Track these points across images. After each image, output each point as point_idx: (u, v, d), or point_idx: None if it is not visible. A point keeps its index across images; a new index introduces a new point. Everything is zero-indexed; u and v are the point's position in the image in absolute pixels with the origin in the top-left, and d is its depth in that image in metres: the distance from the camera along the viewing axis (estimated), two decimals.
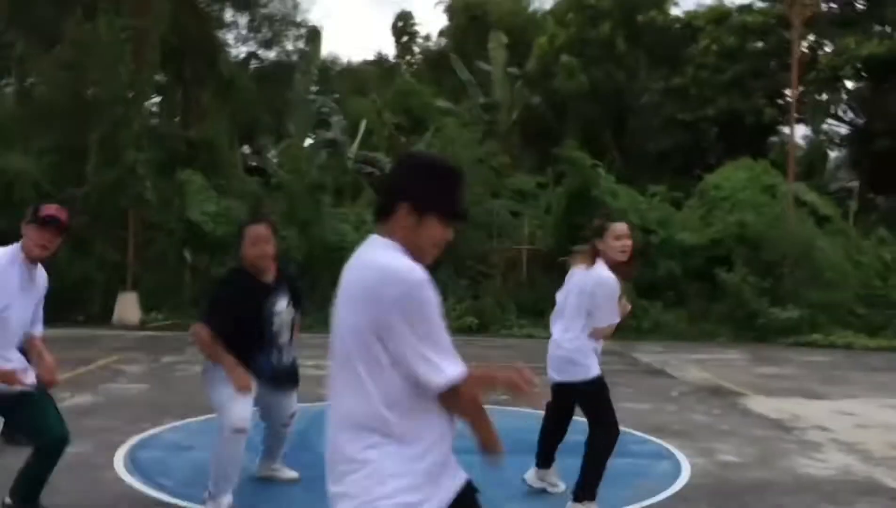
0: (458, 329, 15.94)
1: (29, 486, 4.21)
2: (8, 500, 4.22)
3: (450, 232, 2.30)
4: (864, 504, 5.14)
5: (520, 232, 19.28)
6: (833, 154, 32.27)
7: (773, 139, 29.51)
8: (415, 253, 2.23)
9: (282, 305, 4.75)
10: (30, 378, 4.16)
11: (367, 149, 26.46)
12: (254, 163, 24.89)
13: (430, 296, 2.16)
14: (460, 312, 16.47)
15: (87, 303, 15.55)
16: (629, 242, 4.75)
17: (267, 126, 26.03)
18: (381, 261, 2.18)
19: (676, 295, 16.83)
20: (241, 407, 4.49)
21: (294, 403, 5.07)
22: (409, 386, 2.14)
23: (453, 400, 2.16)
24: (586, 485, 4.56)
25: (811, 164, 30.84)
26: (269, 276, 4.76)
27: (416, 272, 2.16)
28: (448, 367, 2.13)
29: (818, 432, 7.43)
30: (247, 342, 4.58)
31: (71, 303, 15.21)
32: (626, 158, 27.52)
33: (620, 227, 4.80)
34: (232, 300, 4.68)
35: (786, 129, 26.36)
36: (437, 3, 41.97)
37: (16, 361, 4.13)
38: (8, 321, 4.05)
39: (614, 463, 4.76)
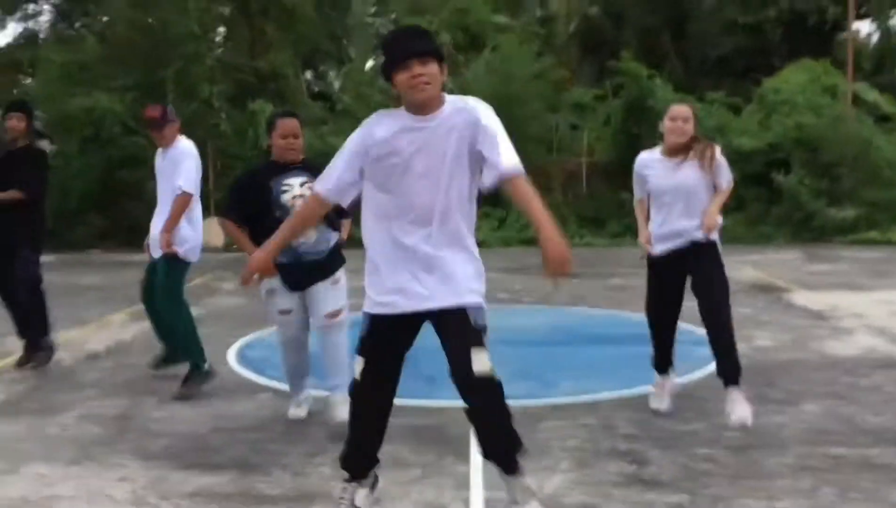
0: (522, 240, 16.74)
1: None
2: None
3: (406, 73, 2.91)
4: (880, 376, 5.79)
5: (579, 144, 19.76)
6: None
7: (841, 36, 28.96)
8: (407, 105, 3.00)
9: (294, 180, 4.63)
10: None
11: None
12: (317, 89, 25.71)
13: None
14: (523, 225, 17.19)
15: None
16: (681, 125, 4.59)
17: (328, 52, 26.71)
18: None
19: (735, 200, 17.14)
20: (283, 330, 4.74)
21: (336, 298, 4.67)
22: None
23: None
24: None
25: (881, 60, 30.18)
26: (292, 163, 4.70)
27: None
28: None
29: (853, 319, 8.02)
30: (264, 222, 4.39)
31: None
32: (687, 65, 27.40)
33: (675, 109, 4.72)
34: (245, 183, 4.84)
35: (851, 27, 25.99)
36: None
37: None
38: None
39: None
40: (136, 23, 16.63)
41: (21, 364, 6.32)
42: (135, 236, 15.22)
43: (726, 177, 4.64)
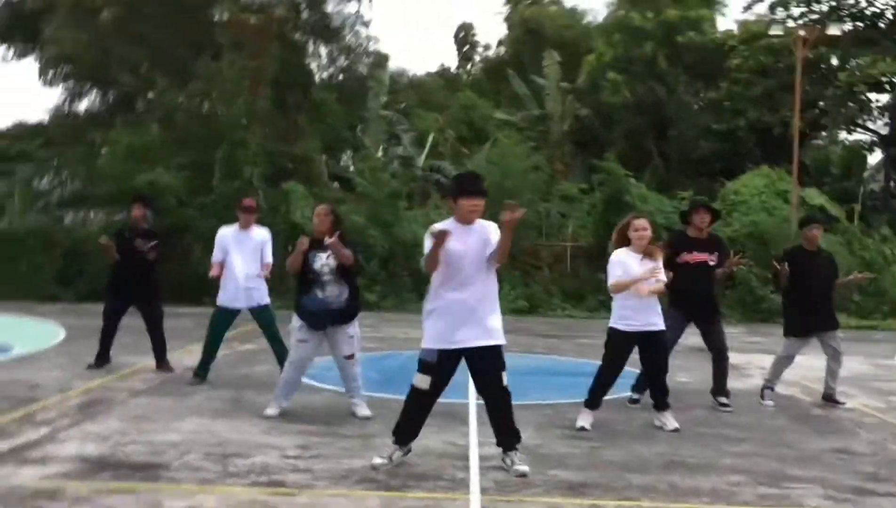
0: (512, 310, 19.39)
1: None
2: None
3: (468, 201, 5.16)
4: (750, 398, 8.41)
5: (565, 230, 22.59)
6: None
7: (815, 142, 31.98)
8: (458, 218, 5.32)
9: (322, 253, 6.72)
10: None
11: (433, 158, 30.14)
12: (332, 172, 28.70)
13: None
14: (513, 297, 19.87)
15: (214, 289, 19.39)
16: (644, 232, 6.54)
17: (346, 139, 29.84)
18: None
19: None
20: (298, 352, 6.92)
21: (350, 346, 6.88)
22: None
23: None
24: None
25: (848, 169, 33.38)
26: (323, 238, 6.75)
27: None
28: None
29: (756, 370, 10.64)
30: (303, 279, 6.80)
31: (201, 289, 19.13)
32: (668, 165, 30.53)
33: (637, 222, 6.64)
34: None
35: (818, 140, 29.20)
36: (496, 13, 45.41)
37: None
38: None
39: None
40: (192, 112, 19.63)
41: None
42: (178, 293, 17.81)
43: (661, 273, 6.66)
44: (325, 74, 25.92)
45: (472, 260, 5.27)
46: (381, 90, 29.71)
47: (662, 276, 6.61)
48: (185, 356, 9.79)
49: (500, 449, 5.54)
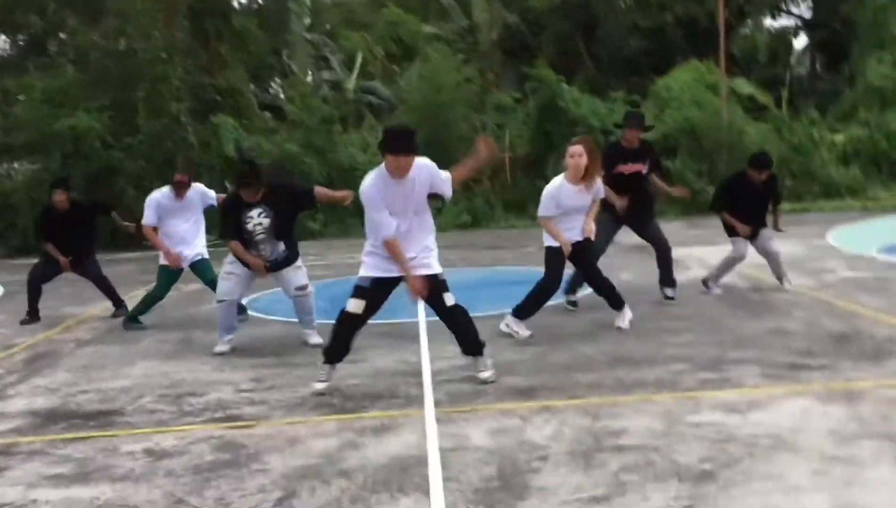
0: (456, 225, 19.49)
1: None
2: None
3: (394, 160, 5.08)
4: (688, 290, 8.67)
5: (502, 142, 22.55)
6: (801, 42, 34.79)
7: (743, 31, 32.22)
8: (389, 171, 5.30)
9: (252, 212, 6.68)
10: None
11: (363, 79, 29.58)
12: (262, 101, 28.02)
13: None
14: (457, 212, 19.94)
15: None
16: (579, 159, 6.61)
17: (272, 66, 29.05)
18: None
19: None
20: (225, 284, 6.90)
21: (298, 278, 6.95)
22: None
23: None
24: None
25: (775, 55, 33.80)
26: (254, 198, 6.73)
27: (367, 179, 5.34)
28: None
29: (695, 261, 10.95)
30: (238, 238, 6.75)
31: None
32: (599, 66, 30.52)
33: (571, 148, 6.73)
34: (226, 215, 6.91)
35: (745, 29, 29.41)
36: None
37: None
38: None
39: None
40: (108, 50, 18.87)
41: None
42: (118, 238, 17.46)
43: (600, 194, 7.06)
44: (243, 0, 25.11)
45: (404, 208, 5.32)
46: (304, 12, 28.85)
47: (593, 226, 6.96)
48: (131, 302, 9.67)
49: (454, 363, 5.77)
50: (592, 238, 7.04)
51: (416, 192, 5.33)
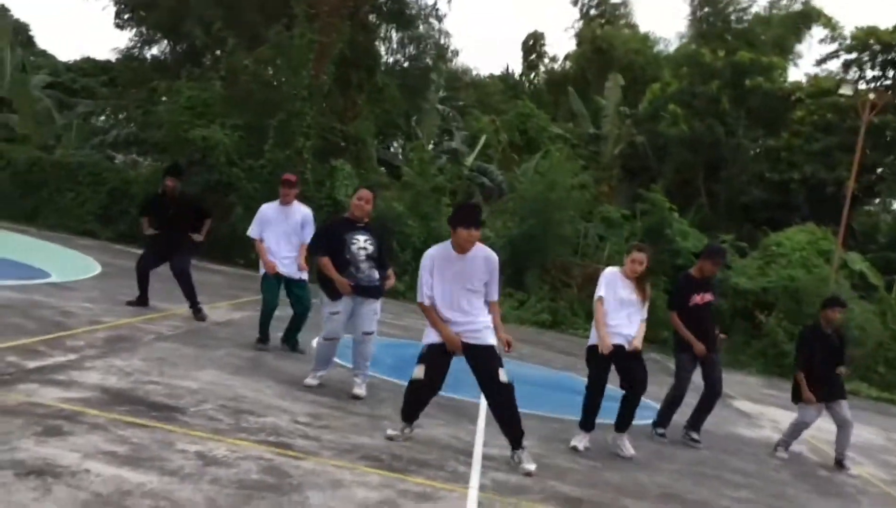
0: (534, 322, 19.45)
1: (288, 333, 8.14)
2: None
3: (465, 231, 5.57)
4: (758, 447, 8.42)
5: (601, 253, 22.57)
6: None
7: (867, 207, 31.63)
8: (455, 245, 5.69)
9: (360, 237, 6.90)
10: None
11: (482, 160, 30.22)
12: (381, 156, 28.92)
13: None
14: (539, 309, 19.93)
15: (248, 251, 19.62)
16: (638, 266, 6.79)
17: (399, 127, 30.06)
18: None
19: (723, 329, 19.83)
20: (332, 325, 7.00)
21: (371, 323, 7.00)
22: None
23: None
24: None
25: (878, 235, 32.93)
26: (360, 222, 6.99)
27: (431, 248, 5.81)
28: None
29: (768, 422, 10.63)
30: (337, 260, 6.86)
31: (238, 250, 19.44)
32: (714, 205, 30.36)
33: (636, 254, 6.91)
34: (324, 232, 7.13)
35: (870, 206, 28.86)
36: (568, 28, 45.31)
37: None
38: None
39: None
40: (256, 76, 19.91)
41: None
42: (215, 250, 18.14)
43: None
44: (391, 59, 26.14)
45: (460, 282, 5.74)
46: (442, 84, 29.88)
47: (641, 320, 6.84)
48: (212, 312, 10.00)
49: (504, 452, 5.76)
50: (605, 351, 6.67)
51: (476, 270, 5.74)
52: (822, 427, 9.63)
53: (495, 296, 5.85)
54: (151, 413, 5.31)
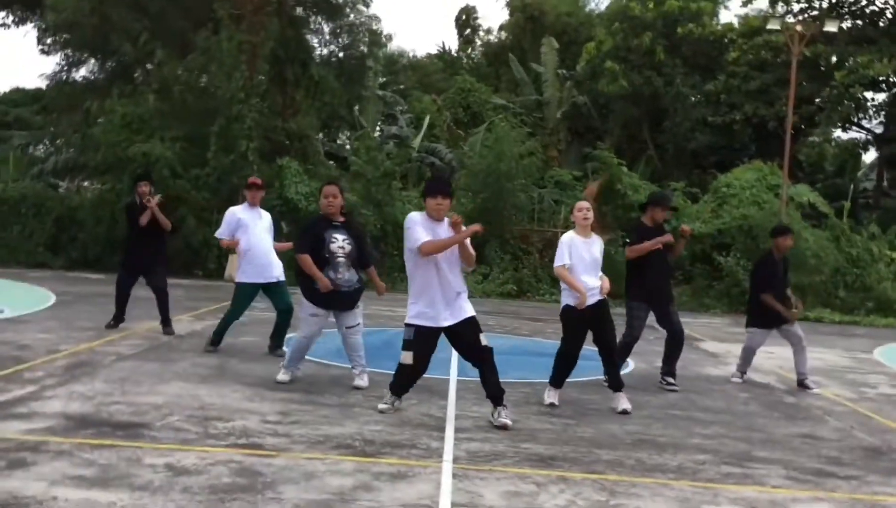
0: (500, 293, 19.55)
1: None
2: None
3: (433, 200, 5.97)
4: (727, 386, 8.59)
5: (557, 217, 22.69)
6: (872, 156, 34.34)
7: (811, 138, 32.07)
8: (429, 215, 5.93)
9: (338, 236, 6.89)
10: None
11: (429, 140, 30.19)
12: (328, 150, 28.73)
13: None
14: (503, 280, 20.02)
15: (205, 261, 19.47)
16: (585, 213, 6.89)
17: (342, 117, 29.84)
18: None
19: (683, 275, 20.14)
20: (309, 327, 7.07)
21: (354, 318, 7.04)
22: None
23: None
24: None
25: (842, 166, 33.58)
26: (337, 219, 7.01)
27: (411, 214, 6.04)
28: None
29: (733, 359, 10.80)
30: (315, 257, 6.83)
31: (193, 261, 19.24)
32: (662, 156, 30.67)
33: (578, 204, 7.14)
34: (306, 231, 7.12)
35: (813, 137, 29.25)
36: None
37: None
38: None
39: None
40: (189, 84, 19.63)
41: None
42: (172, 263, 17.90)
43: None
44: (325, 51, 25.90)
45: (443, 254, 6.02)
46: (379, 70, 29.73)
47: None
48: (174, 325, 9.91)
49: (479, 423, 6.02)
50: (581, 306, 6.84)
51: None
52: (787, 356, 9.84)
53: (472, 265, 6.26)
54: (117, 432, 5.27)
